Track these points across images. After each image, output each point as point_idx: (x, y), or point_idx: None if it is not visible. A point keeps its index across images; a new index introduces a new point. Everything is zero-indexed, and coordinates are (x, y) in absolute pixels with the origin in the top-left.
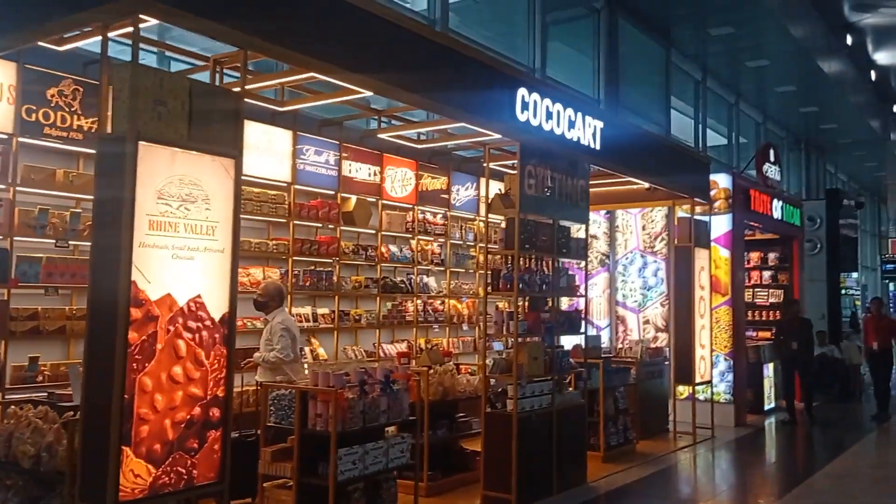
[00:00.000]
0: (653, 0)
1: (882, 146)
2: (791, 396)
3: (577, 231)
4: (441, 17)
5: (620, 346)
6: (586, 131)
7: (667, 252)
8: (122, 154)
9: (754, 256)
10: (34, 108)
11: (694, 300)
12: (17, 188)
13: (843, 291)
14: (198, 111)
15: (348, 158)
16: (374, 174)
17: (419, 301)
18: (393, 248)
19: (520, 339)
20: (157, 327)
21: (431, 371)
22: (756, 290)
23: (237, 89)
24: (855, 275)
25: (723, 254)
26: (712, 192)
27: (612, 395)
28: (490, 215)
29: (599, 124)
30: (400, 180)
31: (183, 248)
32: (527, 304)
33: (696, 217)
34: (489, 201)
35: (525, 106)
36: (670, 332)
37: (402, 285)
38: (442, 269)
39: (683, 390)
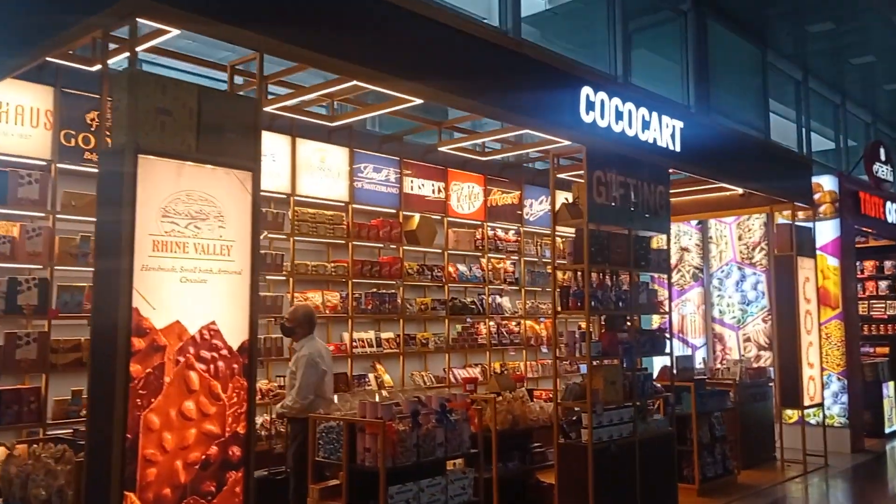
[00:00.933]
0: None
1: None
2: None
3: (659, 242)
4: (513, 27)
5: (718, 366)
6: (664, 132)
7: (767, 263)
8: (121, 169)
9: (868, 265)
10: (73, 132)
11: (799, 314)
12: (58, 215)
13: None
14: (208, 120)
15: (410, 175)
16: (439, 190)
17: (492, 323)
18: (461, 268)
19: (594, 363)
20: (165, 358)
21: (500, 398)
22: (872, 301)
23: (254, 96)
24: None
25: (831, 263)
26: (816, 196)
27: (706, 421)
28: (561, 228)
29: (679, 124)
30: (467, 196)
31: (193, 270)
32: (603, 323)
33: (798, 223)
34: (556, 212)
35: (590, 106)
36: (774, 351)
37: (473, 306)
38: (517, 288)
39: (792, 414)
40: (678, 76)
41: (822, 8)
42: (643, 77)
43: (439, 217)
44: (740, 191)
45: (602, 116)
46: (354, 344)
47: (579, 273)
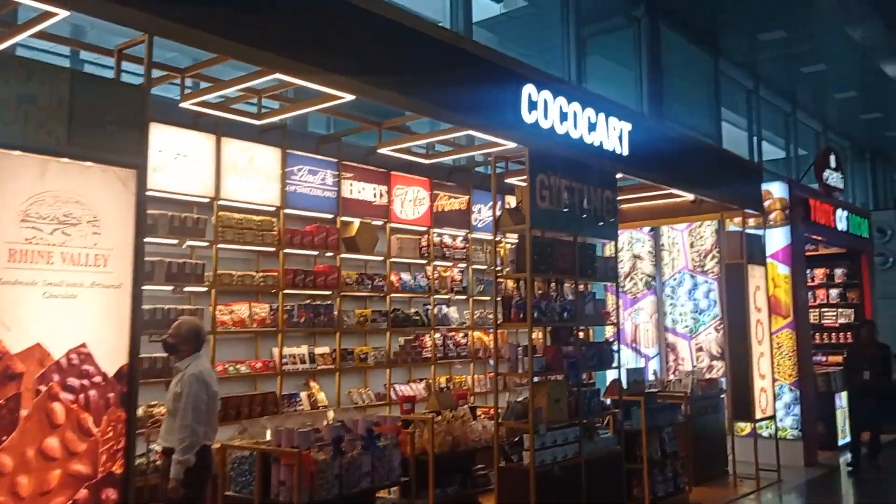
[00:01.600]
0: (697, 6)
1: None
2: (856, 436)
3: (611, 250)
4: (465, 29)
5: (671, 377)
6: (611, 135)
7: (718, 271)
8: None
9: (819, 273)
10: None
11: (749, 324)
12: None
13: None
14: (83, 110)
15: (349, 178)
16: (381, 195)
17: (437, 335)
18: (405, 277)
19: (537, 379)
20: (22, 388)
21: (439, 418)
22: (823, 310)
23: (143, 83)
24: None
25: (782, 271)
26: (766, 203)
27: (657, 436)
28: (510, 236)
29: (627, 127)
30: (412, 200)
31: (60, 283)
32: (548, 335)
33: (749, 231)
34: (498, 218)
35: (533, 105)
36: (725, 361)
37: (417, 317)
38: (464, 297)
39: (745, 426)
40: (633, 83)
41: (773, 16)
42: (598, 84)
43: (381, 223)
44: (691, 197)
45: (545, 117)
46: (285, 360)
47: (522, 282)
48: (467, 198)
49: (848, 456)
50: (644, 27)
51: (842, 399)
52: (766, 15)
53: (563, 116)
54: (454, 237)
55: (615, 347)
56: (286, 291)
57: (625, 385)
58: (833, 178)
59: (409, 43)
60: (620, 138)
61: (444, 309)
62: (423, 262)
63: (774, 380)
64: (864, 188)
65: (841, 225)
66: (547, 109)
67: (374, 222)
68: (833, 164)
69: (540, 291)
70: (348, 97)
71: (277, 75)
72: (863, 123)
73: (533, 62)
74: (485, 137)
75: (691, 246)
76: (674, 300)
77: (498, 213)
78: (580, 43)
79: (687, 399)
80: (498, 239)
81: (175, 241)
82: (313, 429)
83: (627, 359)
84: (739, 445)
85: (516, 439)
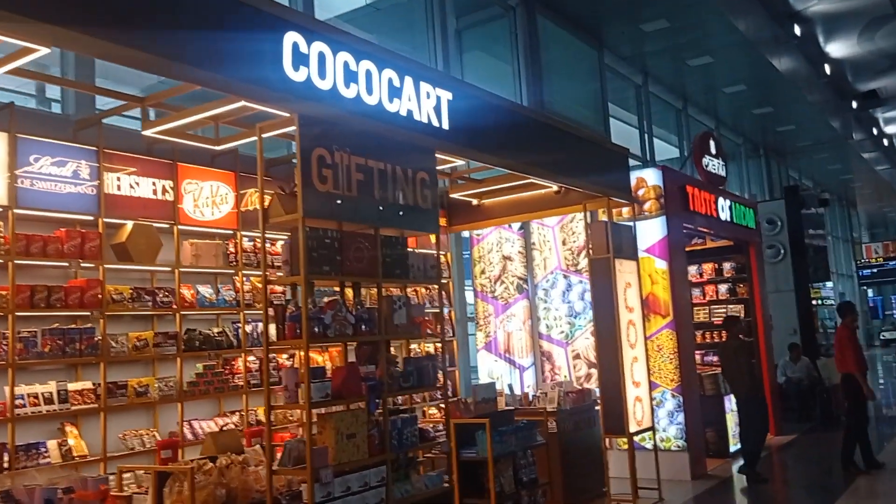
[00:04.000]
0: None
1: (845, 147)
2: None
3: (447, 257)
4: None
5: (539, 392)
6: (423, 104)
7: None
8: None
9: (708, 268)
10: None
11: (619, 326)
12: None
13: (819, 302)
14: None
15: (116, 170)
16: (165, 190)
17: (252, 357)
18: (204, 290)
19: (323, 411)
20: None
21: (209, 466)
22: (713, 307)
23: None
24: (830, 284)
25: (659, 266)
26: (640, 192)
27: (509, 464)
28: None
29: (446, 95)
30: (209, 198)
31: None
32: (344, 354)
33: (618, 222)
34: (266, 207)
35: (301, 59)
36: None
37: (222, 337)
38: None
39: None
40: (513, 79)
41: (655, 4)
42: (476, 80)
43: (167, 225)
44: (555, 187)
45: (321, 75)
46: (20, 402)
47: (298, 288)
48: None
49: (741, 462)
50: (520, 16)
51: (732, 402)
52: (648, 3)
53: (351, 76)
54: (274, 242)
55: (438, 362)
56: (21, 314)
57: (469, 405)
58: (714, 164)
59: None
60: (438, 109)
61: (260, 326)
62: (231, 271)
63: (655, 385)
64: (760, 184)
65: (724, 215)
66: (324, 66)
67: (156, 224)
68: (713, 150)
69: (328, 299)
70: (43, 49)
71: None
72: (754, 118)
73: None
74: (269, 111)
75: (563, 243)
76: (547, 304)
77: (263, 201)
78: (445, 33)
79: (555, 415)
80: (264, 234)
81: None
82: None
83: (501, 371)
84: (621, 461)
85: (298, 489)
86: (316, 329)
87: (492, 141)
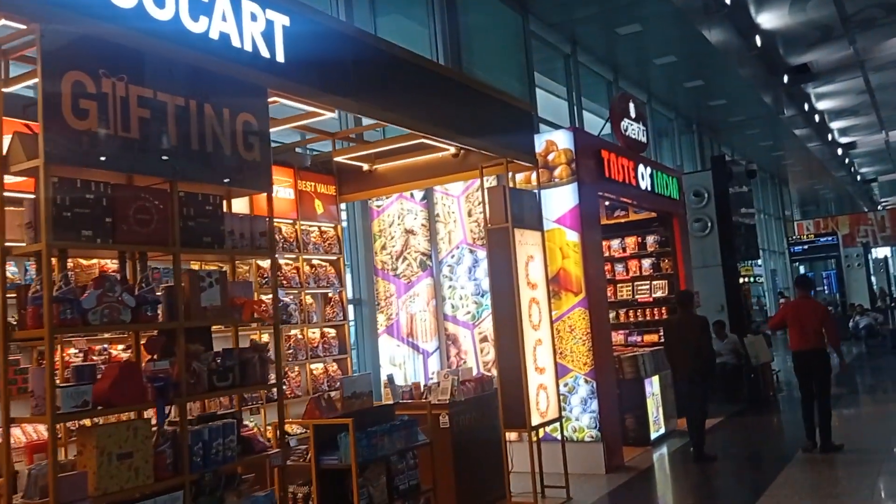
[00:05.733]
0: None
1: (776, 123)
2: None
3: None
4: None
5: (431, 381)
6: (245, 27)
7: None
8: None
9: (631, 242)
10: None
11: (520, 304)
12: None
13: (751, 279)
14: None
15: None
16: None
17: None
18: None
19: (78, 424)
20: None
21: None
22: (637, 283)
23: None
24: (760, 261)
25: (571, 238)
26: (550, 157)
27: (381, 471)
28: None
29: (282, 20)
30: None
31: None
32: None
33: (520, 189)
34: (6, 151)
35: None
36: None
37: None
38: None
39: (539, 432)
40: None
41: None
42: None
43: None
44: (452, 150)
45: None
46: None
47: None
48: None
49: (663, 450)
50: None
51: (653, 384)
52: None
53: None
54: None
55: (269, 354)
56: None
57: (331, 402)
58: (634, 128)
59: None
60: (270, 37)
61: None
62: None
63: (567, 371)
64: (693, 161)
65: (644, 183)
66: None
67: None
68: (632, 113)
69: (97, 275)
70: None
71: None
72: (686, 92)
73: None
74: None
75: (469, 214)
76: (453, 281)
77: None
78: None
79: (446, 407)
80: (3, 188)
81: None
82: None
83: (404, 357)
84: (521, 455)
85: None
86: (69, 314)
87: (350, 84)
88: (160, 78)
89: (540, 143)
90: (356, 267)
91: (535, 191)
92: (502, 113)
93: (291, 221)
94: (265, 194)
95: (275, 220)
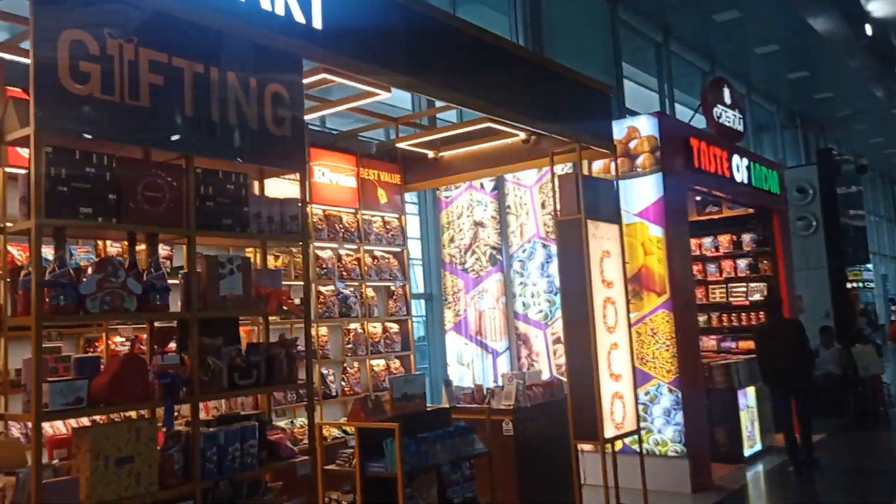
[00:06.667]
0: None
1: (888, 117)
2: (790, 434)
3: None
4: None
5: (492, 385)
6: None
7: None
8: None
9: (724, 240)
10: None
11: (592, 304)
12: None
13: (860, 285)
14: None
15: None
16: None
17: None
18: None
19: (76, 424)
20: None
21: None
22: (731, 285)
23: None
24: (870, 265)
25: (654, 233)
26: (632, 144)
27: (432, 481)
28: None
29: None
30: None
31: None
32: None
33: (597, 177)
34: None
35: None
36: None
37: None
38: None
39: (617, 444)
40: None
41: None
42: None
43: None
44: (522, 135)
45: None
46: None
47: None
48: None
49: (759, 468)
50: None
51: (747, 396)
52: None
53: None
54: None
55: (300, 348)
56: None
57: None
58: (728, 116)
59: None
60: (305, 0)
61: None
62: None
63: (649, 378)
64: (797, 157)
65: (740, 176)
66: None
67: None
68: (727, 99)
69: (102, 256)
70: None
71: None
72: (789, 84)
73: None
74: None
75: (542, 206)
76: (524, 278)
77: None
78: None
79: (511, 413)
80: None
81: None
82: None
83: (472, 356)
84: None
85: None
86: (63, 300)
87: (400, 57)
88: (176, 42)
89: (621, 130)
90: (427, 260)
91: (614, 181)
92: (575, 94)
93: (353, 210)
94: (298, 175)
95: (335, 208)
